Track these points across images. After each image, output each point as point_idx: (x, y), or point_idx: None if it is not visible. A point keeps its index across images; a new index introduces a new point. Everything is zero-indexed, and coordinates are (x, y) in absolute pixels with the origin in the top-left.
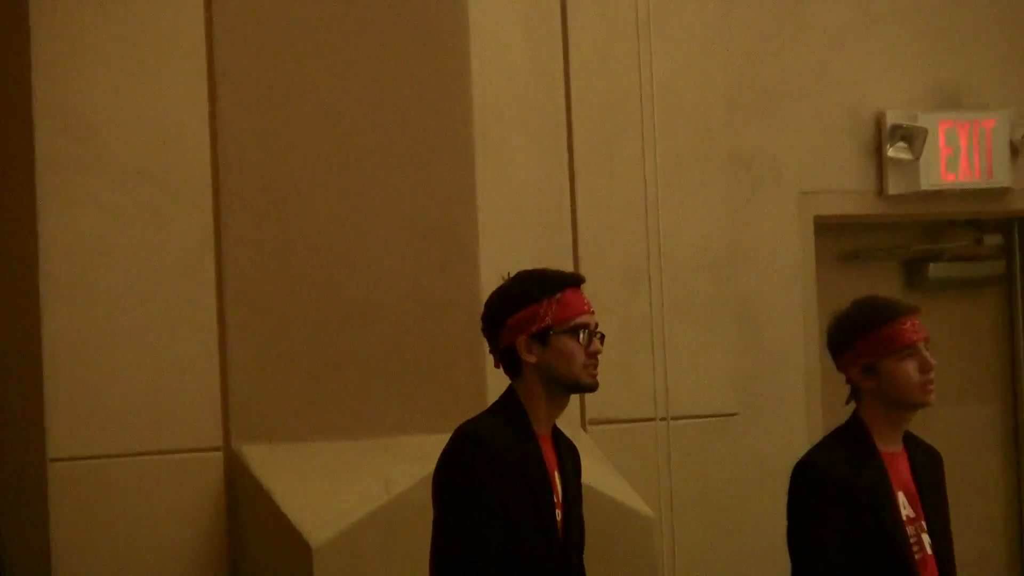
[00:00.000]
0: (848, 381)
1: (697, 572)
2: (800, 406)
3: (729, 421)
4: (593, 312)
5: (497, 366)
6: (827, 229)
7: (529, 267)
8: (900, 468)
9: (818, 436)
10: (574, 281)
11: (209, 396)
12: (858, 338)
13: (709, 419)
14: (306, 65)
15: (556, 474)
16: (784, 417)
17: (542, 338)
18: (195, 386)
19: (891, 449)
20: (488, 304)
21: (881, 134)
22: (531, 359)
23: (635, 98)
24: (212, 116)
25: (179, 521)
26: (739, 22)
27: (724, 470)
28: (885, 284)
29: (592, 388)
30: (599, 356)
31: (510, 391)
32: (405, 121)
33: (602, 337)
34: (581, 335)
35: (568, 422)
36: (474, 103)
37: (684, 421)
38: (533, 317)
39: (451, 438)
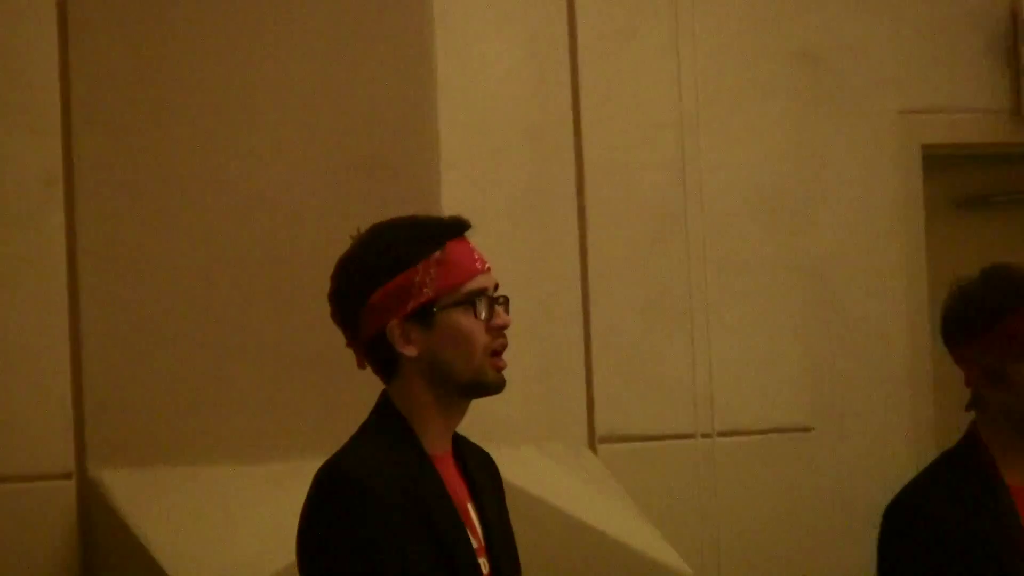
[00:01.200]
0: (969, 384)
1: None
2: (901, 416)
3: (799, 438)
4: (490, 269)
5: (361, 366)
6: (940, 164)
7: (512, 214)
8: None
9: (927, 458)
10: (458, 228)
11: (58, 405)
12: (977, 330)
13: (770, 435)
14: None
15: (470, 507)
16: (879, 431)
17: (423, 318)
18: (38, 391)
19: (1022, 482)
20: (336, 276)
21: (1017, 30)
22: (410, 351)
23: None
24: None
25: (22, 566)
26: None
27: (790, 506)
28: (1020, 243)
29: (498, 387)
30: (505, 334)
31: (384, 401)
32: (338, 13)
33: (506, 304)
34: (478, 306)
35: (570, 439)
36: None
37: (735, 438)
38: (406, 289)
39: (313, 481)
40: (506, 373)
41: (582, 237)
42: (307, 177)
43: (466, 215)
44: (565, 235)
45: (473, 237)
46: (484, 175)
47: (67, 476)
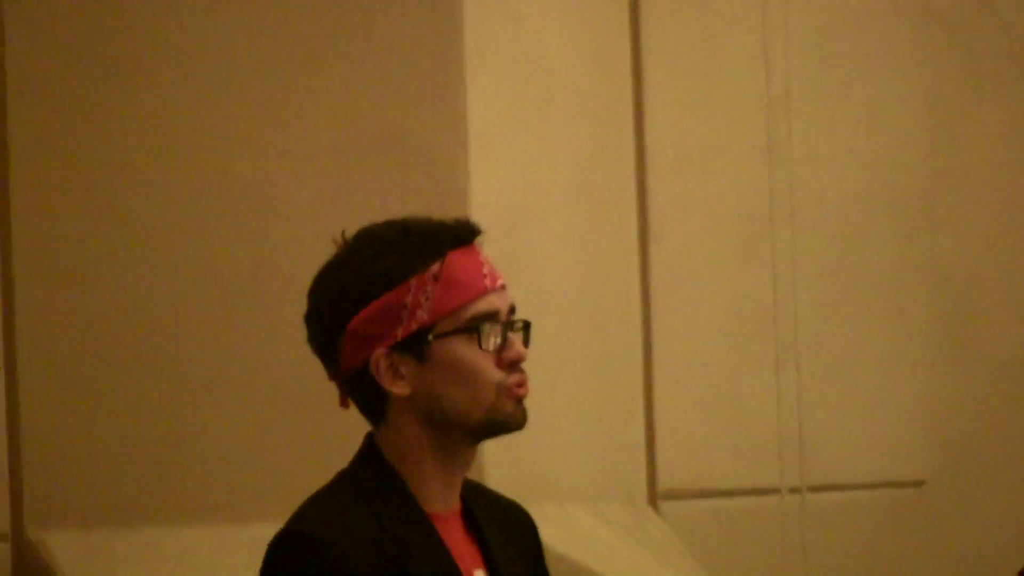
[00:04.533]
0: None
1: None
2: None
3: (913, 494)
4: (504, 287)
5: (344, 405)
6: None
7: (554, 220)
8: None
9: None
10: (465, 235)
11: None
12: None
13: (875, 491)
14: None
15: (480, 575)
16: (1006, 487)
17: (416, 348)
18: None
19: None
20: (313, 293)
21: None
22: (400, 388)
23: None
24: None
25: None
26: None
27: (900, 571)
28: None
29: (518, 424)
30: (523, 369)
31: (368, 446)
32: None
33: (527, 331)
34: (486, 334)
35: (627, 495)
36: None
37: (830, 494)
38: (396, 312)
39: (272, 543)
40: (542, 412)
41: (643, 243)
42: (306, 163)
43: (498, 213)
44: (622, 241)
45: (501, 243)
46: (522, 161)
47: (3, 539)
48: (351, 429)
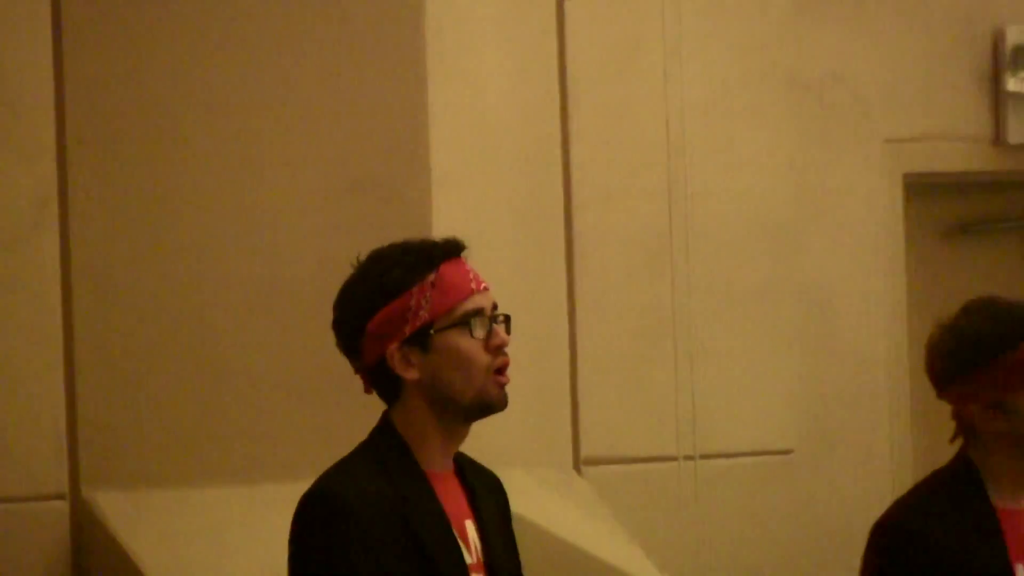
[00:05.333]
0: (957, 416)
1: None
2: (882, 439)
3: (783, 461)
4: (488, 289)
5: (368, 391)
6: (923, 192)
7: (502, 239)
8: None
9: (905, 482)
10: (452, 250)
11: (51, 428)
12: (976, 367)
13: (754, 458)
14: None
15: (468, 525)
16: (860, 455)
17: (421, 341)
18: (32, 414)
19: (1012, 505)
20: (337, 305)
21: (998, 59)
22: (411, 374)
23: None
24: (56, 42)
25: None
26: None
27: (774, 528)
28: (1004, 268)
29: (502, 405)
30: (507, 351)
31: (384, 422)
32: (324, 33)
33: (508, 322)
34: (476, 326)
35: (556, 462)
36: (427, 5)
37: (719, 461)
38: (402, 314)
39: (301, 499)
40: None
41: (569, 262)
42: (301, 200)
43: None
44: (553, 260)
45: (469, 260)
46: (475, 198)
47: (61, 497)
48: (359, 407)
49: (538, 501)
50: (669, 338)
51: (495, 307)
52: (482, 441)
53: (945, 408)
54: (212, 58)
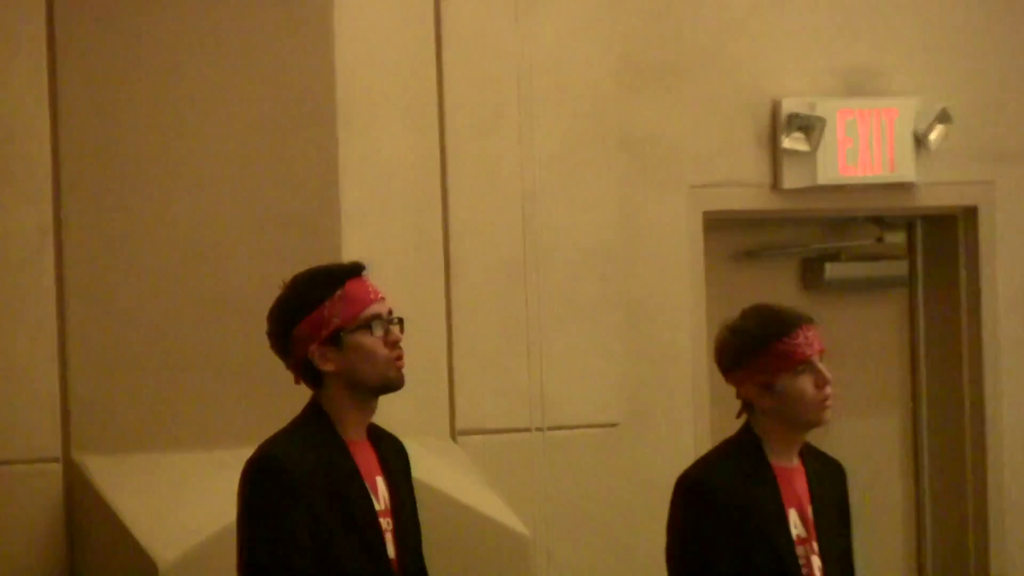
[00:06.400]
0: (740, 396)
1: None
2: (688, 415)
3: (611, 432)
4: (383, 298)
5: (297, 382)
6: (718, 225)
7: (397, 260)
8: (795, 484)
9: (706, 448)
10: (354, 271)
11: (47, 401)
12: (750, 356)
13: (589, 429)
14: (153, 45)
15: (379, 480)
16: (671, 427)
17: (335, 341)
18: (31, 390)
19: (785, 464)
20: (269, 318)
21: (776, 123)
22: (329, 367)
23: (514, 75)
24: (52, 103)
25: (13, 538)
26: None
27: (607, 484)
28: (780, 285)
29: (400, 384)
30: (401, 345)
31: (313, 401)
32: (261, 102)
33: (401, 323)
34: (375, 327)
35: (437, 432)
36: (337, 81)
37: (563, 432)
38: (319, 322)
39: (247, 462)
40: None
41: (447, 278)
42: (241, 231)
43: (363, 261)
44: (435, 276)
45: (370, 276)
46: (376, 230)
47: (55, 460)
48: (293, 390)
49: (424, 463)
50: (524, 337)
51: (391, 312)
52: (382, 415)
53: (732, 390)
54: (174, 110)
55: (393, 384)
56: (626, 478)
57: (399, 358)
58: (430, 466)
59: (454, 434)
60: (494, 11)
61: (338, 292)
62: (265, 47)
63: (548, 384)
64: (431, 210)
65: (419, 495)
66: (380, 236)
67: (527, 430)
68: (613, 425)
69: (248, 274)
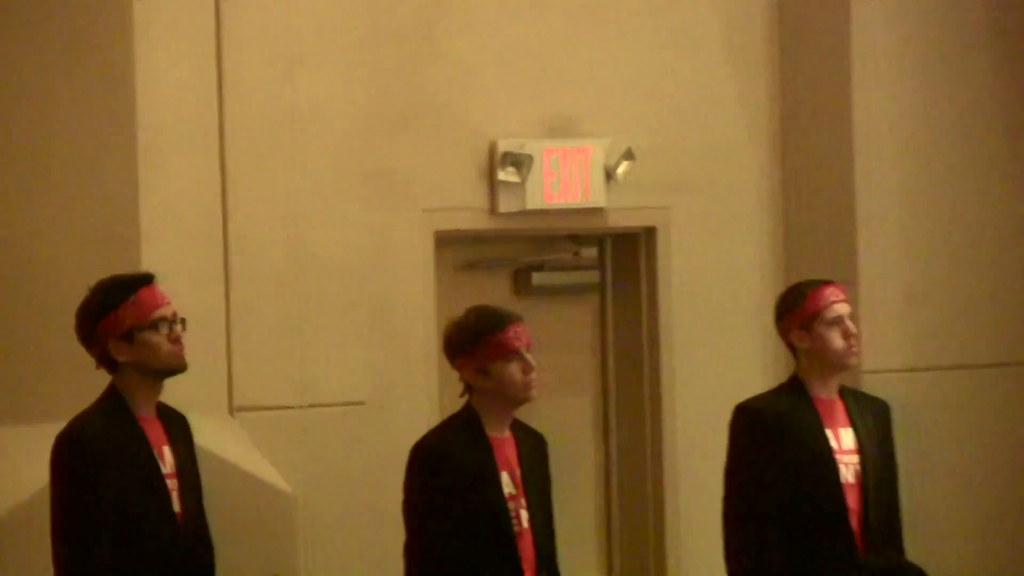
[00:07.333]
0: (463, 380)
1: (336, 544)
2: (423, 395)
3: (360, 408)
4: (169, 303)
5: (98, 367)
6: (447, 242)
7: (188, 269)
8: (507, 451)
9: (436, 421)
10: (145, 280)
11: None
12: (470, 346)
13: (343, 407)
14: None
15: (166, 449)
16: (408, 405)
17: (129, 337)
18: None
19: (498, 434)
20: (77, 316)
21: (494, 160)
22: (123, 358)
23: (286, 117)
24: None
25: None
26: (382, 52)
27: (356, 451)
28: (496, 290)
29: (181, 369)
30: (183, 340)
31: (111, 385)
32: (77, 140)
33: (183, 323)
34: (161, 327)
35: (218, 409)
36: (138, 122)
37: (319, 408)
38: (116, 321)
39: (56, 437)
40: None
41: (227, 284)
42: (54, 243)
43: (159, 272)
44: (218, 283)
45: (160, 285)
46: (169, 246)
47: None
48: (96, 374)
49: (205, 433)
50: (290, 331)
51: (175, 314)
52: (174, 395)
53: (456, 374)
54: (5, 141)
55: (177, 368)
56: (373, 446)
57: (181, 349)
58: (210, 436)
59: (232, 410)
60: (269, 63)
61: (132, 297)
62: (78, 97)
63: (310, 369)
64: (214, 228)
65: (202, 460)
66: (172, 249)
67: (293, 407)
68: (361, 403)
69: (62, 277)
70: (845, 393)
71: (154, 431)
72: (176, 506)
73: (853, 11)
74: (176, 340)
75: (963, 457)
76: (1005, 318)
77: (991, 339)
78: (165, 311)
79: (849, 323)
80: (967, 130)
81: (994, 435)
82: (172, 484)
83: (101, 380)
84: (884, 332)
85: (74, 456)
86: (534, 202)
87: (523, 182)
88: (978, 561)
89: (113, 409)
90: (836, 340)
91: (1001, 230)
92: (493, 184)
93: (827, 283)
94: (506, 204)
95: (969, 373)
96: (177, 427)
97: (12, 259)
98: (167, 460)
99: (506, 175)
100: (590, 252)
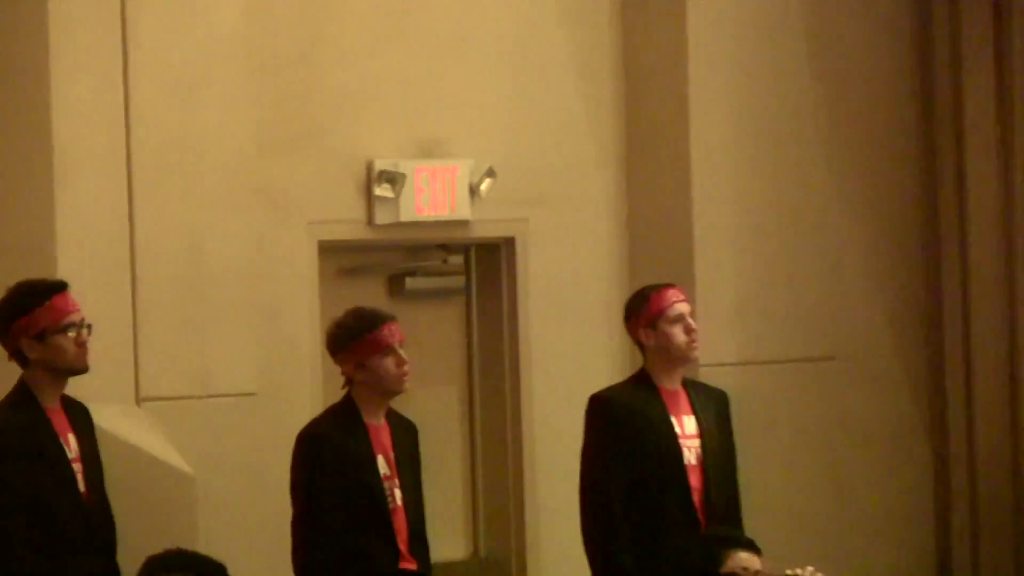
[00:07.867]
0: (343, 373)
1: (231, 520)
2: (307, 387)
3: (251, 399)
4: (79, 310)
5: (10, 360)
6: (329, 250)
7: (99, 274)
8: (382, 437)
9: (319, 411)
10: (59, 287)
11: None
12: (350, 342)
13: (237, 397)
14: None
15: (71, 436)
16: (296, 396)
17: (41, 338)
18: None
19: (375, 422)
20: None
21: (371, 177)
22: (35, 356)
23: (184, 141)
24: None
25: None
26: (269, 81)
27: (249, 437)
28: (373, 294)
29: (83, 370)
30: (87, 344)
31: (22, 381)
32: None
33: (89, 328)
34: (70, 331)
35: (125, 399)
36: (54, 142)
37: (218, 399)
38: (31, 323)
39: None
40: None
41: (133, 287)
42: None
43: (73, 276)
44: (125, 286)
45: (72, 292)
46: (82, 254)
47: None
48: (10, 368)
49: (112, 420)
50: (189, 329)
51: (83, 320)
52: (84, 388)
53: (338, 368)
54: None
55: (80, 368)
56: (264, 432)
57: (84, 352)
58: (116, 423)
59: (139, 400)
60: (170, 92)
61: (46, 303)
62: None
63: (208, 364)
64: (122, 237)
65: (109, 443)
66: (85, 256)
67: (193, 397)
68: (253, 394)
69: None
70: (688, 384)
71: (59, 420)
72: (82, 487)
73: (690, 44)
74: (82, 344)
75: (789, 441)
76: (825, 317)
77: (812, 336)
78: (75, 317)
79: (690, 320)
80: (789, 144)
81: (815, 421)
82: (77, 468)
83: (12, 373)
84: (718, 330)
85: None
86: (407, 215)
87: (397, 197)
88: (800, 534)
89: (22, 401)
90: (679, 336)
91: (820, 239)
92: (370, 199)
93: (668, 286)
94: (382, 217)
95: (793, 366)
96: (80, 417)
97: None
98: (72, 446)
99: (382, 191)
100: (457, 260)
